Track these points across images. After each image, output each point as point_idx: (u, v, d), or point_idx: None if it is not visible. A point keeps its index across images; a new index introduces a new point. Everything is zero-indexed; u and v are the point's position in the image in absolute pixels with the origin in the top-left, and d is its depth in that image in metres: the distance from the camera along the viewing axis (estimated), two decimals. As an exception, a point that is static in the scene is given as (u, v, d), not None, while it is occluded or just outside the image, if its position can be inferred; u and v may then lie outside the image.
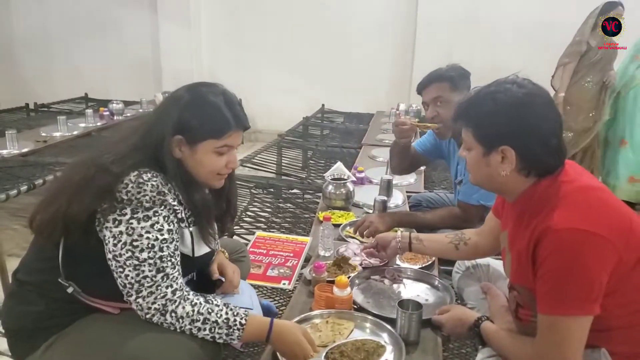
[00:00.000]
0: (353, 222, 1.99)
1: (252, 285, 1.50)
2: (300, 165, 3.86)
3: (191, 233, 1.16)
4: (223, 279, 1.31)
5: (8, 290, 1.31)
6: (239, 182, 2.24)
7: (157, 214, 1.06)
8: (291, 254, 1.79)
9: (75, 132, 3.60)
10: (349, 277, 1.48)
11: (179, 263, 1.11)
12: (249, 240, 1.92)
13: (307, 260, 1.76)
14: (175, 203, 1.11)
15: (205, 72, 5.77)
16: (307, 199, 2.71)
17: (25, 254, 1.19)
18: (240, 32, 5.69)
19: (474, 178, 1.19)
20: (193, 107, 1.12)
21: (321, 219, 1.80)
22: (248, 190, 2.61)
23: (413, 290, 1.53)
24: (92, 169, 1.07)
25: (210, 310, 1.09)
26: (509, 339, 1.14)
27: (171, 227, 1.09)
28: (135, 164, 1.07)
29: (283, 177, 3.34)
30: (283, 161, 3.64)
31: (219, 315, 1.10)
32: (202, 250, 1.21)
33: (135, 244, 1.04)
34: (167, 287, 1.06)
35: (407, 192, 2.48)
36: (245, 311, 1.13)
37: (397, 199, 2.31)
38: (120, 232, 1.04)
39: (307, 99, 5.47)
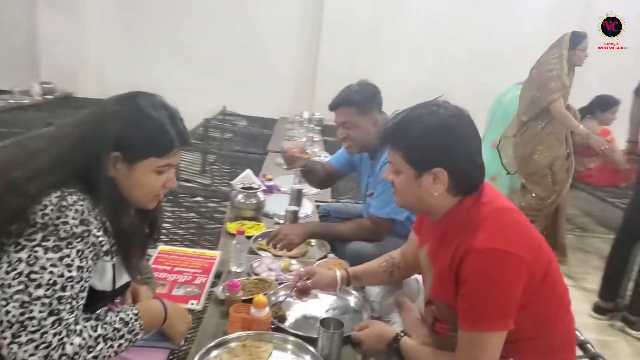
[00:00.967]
0: (266, 234, 1.92)
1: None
2: (199, 169, 3.68)
3: (113, 266, 1.02)
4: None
5: None
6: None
7: (70, 246, 0.90)
8: (199, 271, 1.67)
9: None
10: (265, 295, 1.41)
11: (79, 308, 0.94)
12: (151, 256, 1.76)
13: (217, 276, 1.65)
14: (100, 233, 0.96)
15: (92, 66, 5.30)
16: (210, 208, 2.58)
17: None
18: (137, 24, 5.29)
19: (402, 200, 1.19)
20: (135, 122, 0.99)
21: (233, 231, 1.70)
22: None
23: (330, 305, 1.51)
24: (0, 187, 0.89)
25: (98, 325, 0.96)
26: (430, 354, 1.16)
27: (83, 264, 0.93)
28: (58, 182, 0.91)
29: (182, 183, 3.15)
30: (180, 165, 3.43)
31: (111, 320, 0.99)
32: (122, 281, 1.07)
33: (33, 276, 0.87)
34: (54, 335, 0.89)
35: (315, 201, 2.47)
36: (131, 304, 1.09)
37: (307, 209, 2.29)
38: (19, 260, 0.87)
39: (207, 99, 5.23)
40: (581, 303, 2.80)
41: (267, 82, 5.37)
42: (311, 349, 1.22)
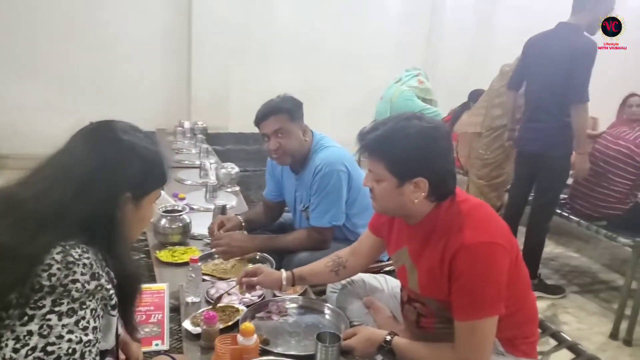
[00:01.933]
0: (207, 255, 1.87)
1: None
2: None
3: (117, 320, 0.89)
4: None
5: None
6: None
7: (84, 307, 0.78)
8: (151, 308, 1.52)
9: None
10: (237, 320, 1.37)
11: None
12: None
13: (173, 311, 1.53)
14: (110, 286, 0.84)
15: None
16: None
17: None
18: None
19: (382, 206, 1.26)
20: (145, 156, 0.93)
21: (166, 260, 1.68)
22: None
23: (306, 319, 1.50)
24: None
25: None
26: (426, 348, 1.24)
27: (97, 324, 0.81)
28: (60, 234, 0.77)
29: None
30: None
31: None
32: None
33: (50, 349, 0.73)
34: None
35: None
36: None
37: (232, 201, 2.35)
38: (30, 333, 0.73)
39: (70, 115, 4.61)
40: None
41: (132, 94, 4.91)
42: (313, 366, 1.22)
